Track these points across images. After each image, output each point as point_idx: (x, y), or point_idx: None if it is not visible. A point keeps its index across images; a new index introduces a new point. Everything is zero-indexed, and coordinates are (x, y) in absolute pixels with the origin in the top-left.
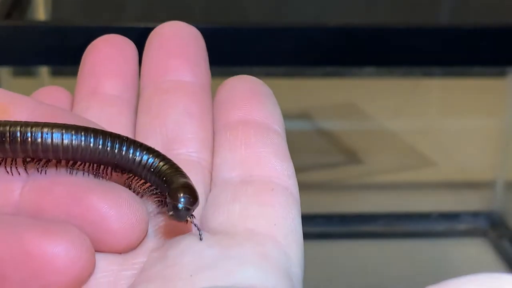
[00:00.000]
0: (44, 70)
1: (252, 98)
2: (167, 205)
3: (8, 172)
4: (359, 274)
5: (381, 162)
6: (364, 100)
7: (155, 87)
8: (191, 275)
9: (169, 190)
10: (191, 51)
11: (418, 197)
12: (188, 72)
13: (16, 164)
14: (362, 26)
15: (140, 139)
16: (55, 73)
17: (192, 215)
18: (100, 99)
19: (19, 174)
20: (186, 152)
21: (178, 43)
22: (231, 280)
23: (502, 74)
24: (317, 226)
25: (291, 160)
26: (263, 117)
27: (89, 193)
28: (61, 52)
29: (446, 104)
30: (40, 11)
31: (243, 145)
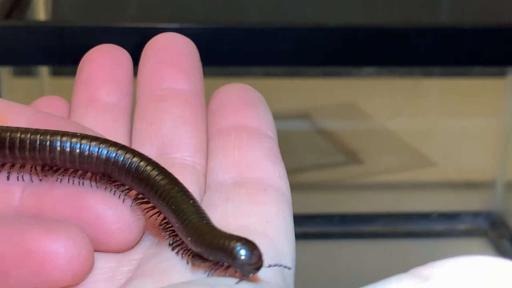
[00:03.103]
0: (44, 70)
1: (245, 105)
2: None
3: (8, 178)
4: (359, 274)
5: (381, 162)
6: (364, 100)
7: (150, 95)
8: (185, 268)
9: (229, 260)
10: (185, 61)
11: (418, 197)
12: (182, 80)
13: (17, 170)
14: (362, 26)
15: (136, 145)
16: (55, 73)
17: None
18: (96, 107)
19: (20, 179)
20: (181, 156)
21: (173, 53)
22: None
23: (502, 74)
24: (317, 226)
25: (282, 163)
26: (255, 122)
27: (87, 195)
28: (61, 52)
29: (446, 104)
30: (40, 11)
31: (235, 149)
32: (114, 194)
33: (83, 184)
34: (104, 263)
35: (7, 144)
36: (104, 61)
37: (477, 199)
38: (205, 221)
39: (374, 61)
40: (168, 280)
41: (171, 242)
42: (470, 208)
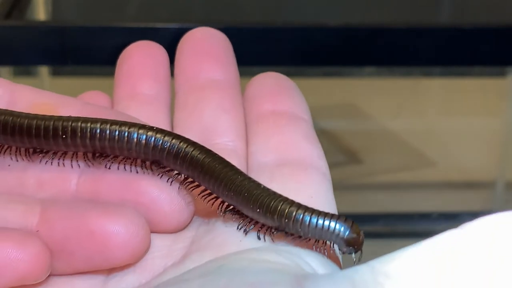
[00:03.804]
0: (44, 70)
1: (280, 92)
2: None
3: (65, 165)
4: None
5: (381, 162)
6: (364, 100)
7: (189, 86)
8: (240, 240)
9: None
10: (221, 53)
11: (418, 197)
12: (219, 71)
13: (73, 157)
14: (362, 26)
15: (178, 133)
16: (55, 73)
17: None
18: (138, 99)
19: (75, 166)
20: (223, 142)
21: (208, 46)
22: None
23: (502, 74)
24: None
25: (320, 144)
26: (291, 107)
27: (141, 180)
28: (61, 52)
29: (446, 104)
30: (40, 11)
31: (275, 133)
32: (168, 181)
33: (136, 170)
34: (160, 242)
35: (88, 134)
36: (142, 57)
37: (477, 199)
38: (295, 202)
39: (374, 61)
40: (225, 251)
41: (240, 226)
42: (470, 208)
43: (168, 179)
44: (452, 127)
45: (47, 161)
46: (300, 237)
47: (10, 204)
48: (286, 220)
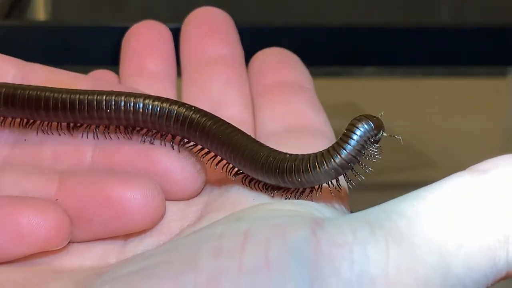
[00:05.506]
0: None
1: (283, 64)
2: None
3: (82, 137)
4: None
5: (381, 162)
6: (364, 100)
7: (196, 61)
8: (253, 199)
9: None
10: (225, 29)
11: None
12: (224, 47)
13: (87, 129)
14: (362, 26)
15: None
16: None
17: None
18: (145, 76)
19: (90, 138)
20: (231, 114)
21: (213, 23)
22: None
23: (502, 74)
24: None
25: (324, 112)
26: (294, 78)
27: (154, 150)
28: (61, 52)
29: (446, 104)
30: (40, 11)
31: (280, 102)
32: (179, 150)
33: (150, 141)
34: (174, 207)
35: (125, 108)
36: (148, 35)
37: None
38: (320, 152)
39: (374, 61)
40: (239, 208)
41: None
42: None
43: (179, 148)
44: (452, 127)
45: (64, 134)
46: (313, 189)
47: (29, 175)
48: (329, 169)
